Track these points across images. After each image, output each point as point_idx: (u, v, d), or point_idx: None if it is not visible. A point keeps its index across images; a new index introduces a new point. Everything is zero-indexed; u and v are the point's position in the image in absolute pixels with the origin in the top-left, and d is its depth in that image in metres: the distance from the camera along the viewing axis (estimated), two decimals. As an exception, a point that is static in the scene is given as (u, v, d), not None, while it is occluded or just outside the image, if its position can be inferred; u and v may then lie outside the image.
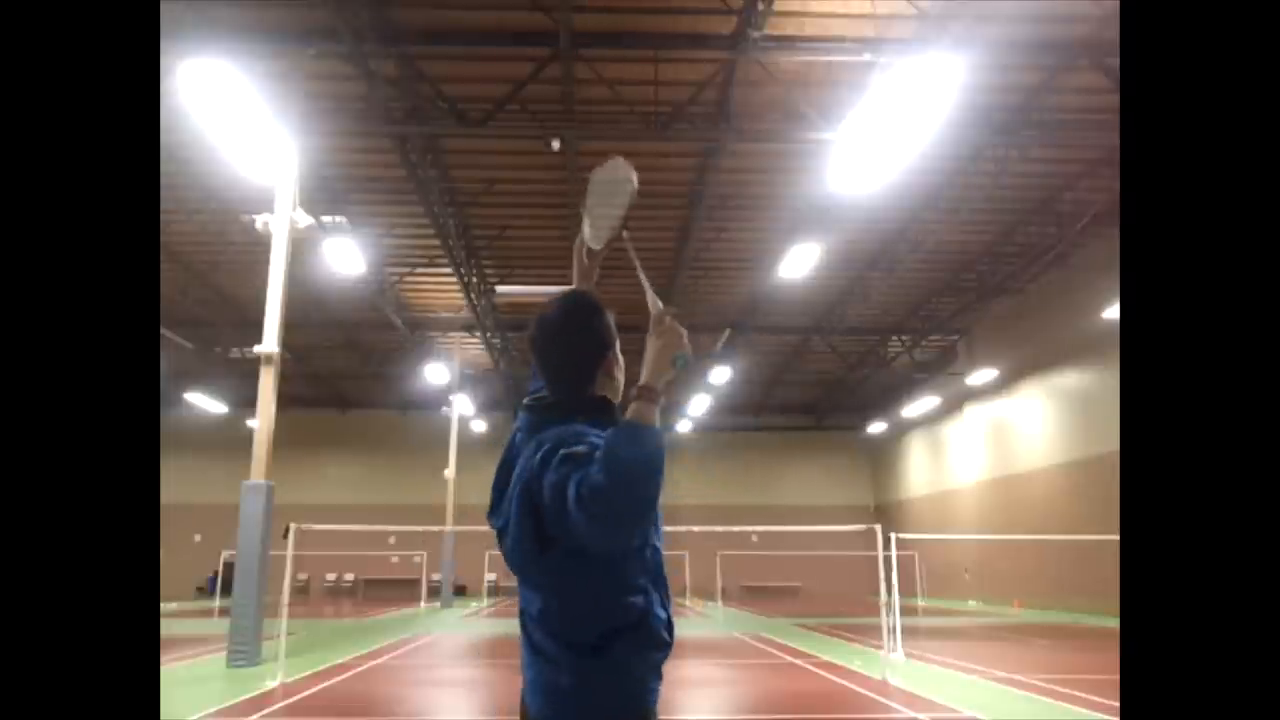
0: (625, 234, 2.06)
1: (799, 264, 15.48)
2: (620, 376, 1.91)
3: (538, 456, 1.67)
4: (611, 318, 1.90)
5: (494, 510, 1.84)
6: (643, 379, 1.66)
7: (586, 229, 2.14)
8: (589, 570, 1.65)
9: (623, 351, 1.95)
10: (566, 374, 1.84)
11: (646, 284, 1.92)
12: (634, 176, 2.06)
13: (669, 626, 1.75)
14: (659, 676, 1.74)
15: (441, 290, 20.57)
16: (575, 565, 1.64)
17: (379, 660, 11.08)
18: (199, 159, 13.67)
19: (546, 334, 1.86)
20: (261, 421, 10.99)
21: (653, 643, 1.71)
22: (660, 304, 1.79)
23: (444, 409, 27.17)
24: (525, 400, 1.91)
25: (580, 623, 1.68)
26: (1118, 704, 7.14)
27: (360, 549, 29.09)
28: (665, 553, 1.80)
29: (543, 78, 11.47)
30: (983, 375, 23.09)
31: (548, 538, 1.64)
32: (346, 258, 14.83)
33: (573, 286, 2.07)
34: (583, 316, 1.86)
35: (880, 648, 10.20)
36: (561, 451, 1.62)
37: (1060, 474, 20.40)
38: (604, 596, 1.68)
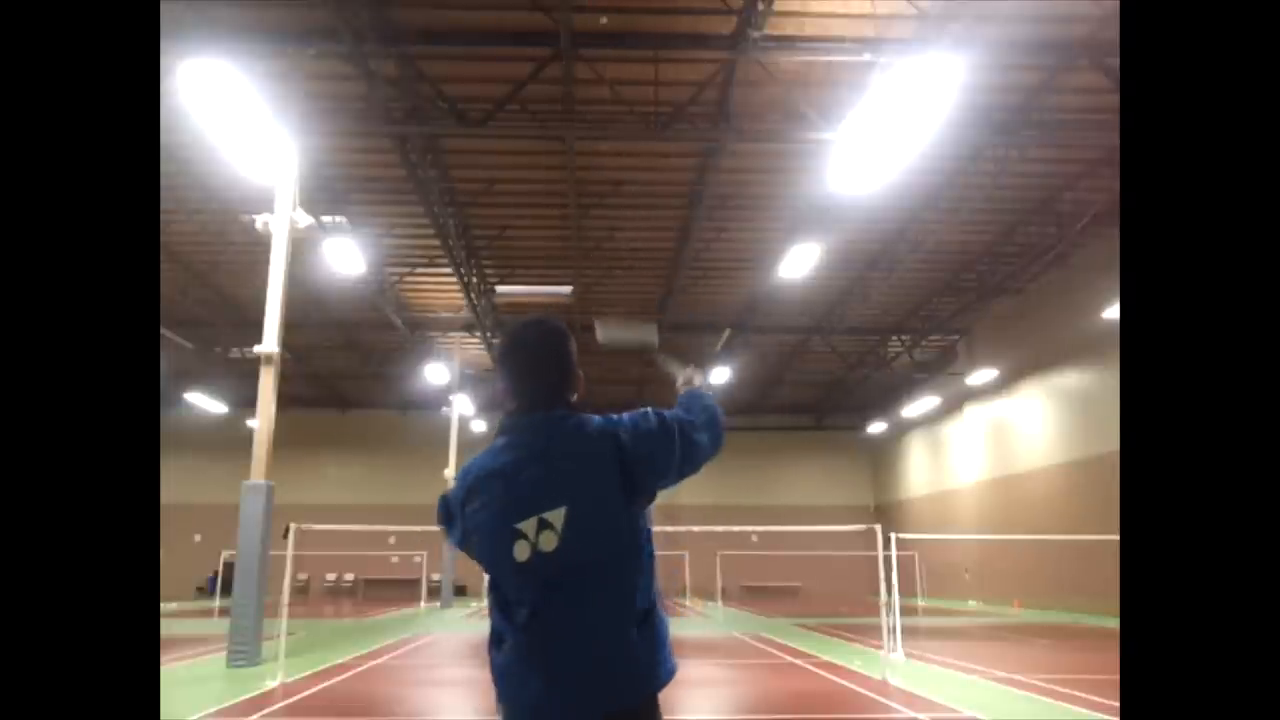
0: (661, 359, 2.56)
1: (799, 264, 15.47)
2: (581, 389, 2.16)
3: (623, 427, 1.95)
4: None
5: (515, 510, 1.88)
6: (684, 382, 2.28)
7: (599, 329, 2.77)
8: (647, 537, 1.95)
9: (611, 357, 2.20)
10: (554, 386, 2.04)
11: (674, 367, 2.40)
12: (655, 341, 2.71)
13: None
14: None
15: (441, 290, 20.57)
16: (641, 525, 1.95)
17: (379, 660, 11.08)
18: (199, 159, 13.68)
19: (536, 354, 2.06)
20: (261, 421, 10.99)
21: (662, 614, 2.00)
22: (679, 369, 2.33)
23: (444, 409, 27.16)
24: (505, 418, 2.06)
25: (634, 600, 1.89)
26: (1118, 704, 7.14)
27: (360, 549, 29.08)
28: (665, 553, 1.99)
29: (543, 78, 11.47)
30: (983, 375, 23.09)
31: (635, 491, 1.92)
32: (346, 258, 14.83)
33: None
34: (562, 339, 2.08)
35: (880, 648, 10.20)
36: (647, 410, 2.02)
37: (1060, 474, 20.40)
38: (650, 566, 1.96)
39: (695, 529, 14.67)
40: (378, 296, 19.07)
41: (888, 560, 10.33)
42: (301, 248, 12.56)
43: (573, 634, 1.85)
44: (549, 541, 1.85)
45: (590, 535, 1.87)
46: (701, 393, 2.18)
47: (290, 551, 9.33)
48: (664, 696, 1.85)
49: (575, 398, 2.07)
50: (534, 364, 2.04)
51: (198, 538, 29.56)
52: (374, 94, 11.56)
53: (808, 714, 7.41)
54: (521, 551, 1.85)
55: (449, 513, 2.03)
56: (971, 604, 24.61)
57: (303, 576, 29.21)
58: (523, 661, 1.86)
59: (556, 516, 1.86)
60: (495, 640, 1.94)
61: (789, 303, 20.79)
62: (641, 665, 1.88)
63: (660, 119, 12.04)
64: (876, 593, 10.96)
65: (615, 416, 2.02)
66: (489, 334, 22.15)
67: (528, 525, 1.86)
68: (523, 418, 1.99)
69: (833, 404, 32.05)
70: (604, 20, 10.88)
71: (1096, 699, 7.69)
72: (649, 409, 2.04)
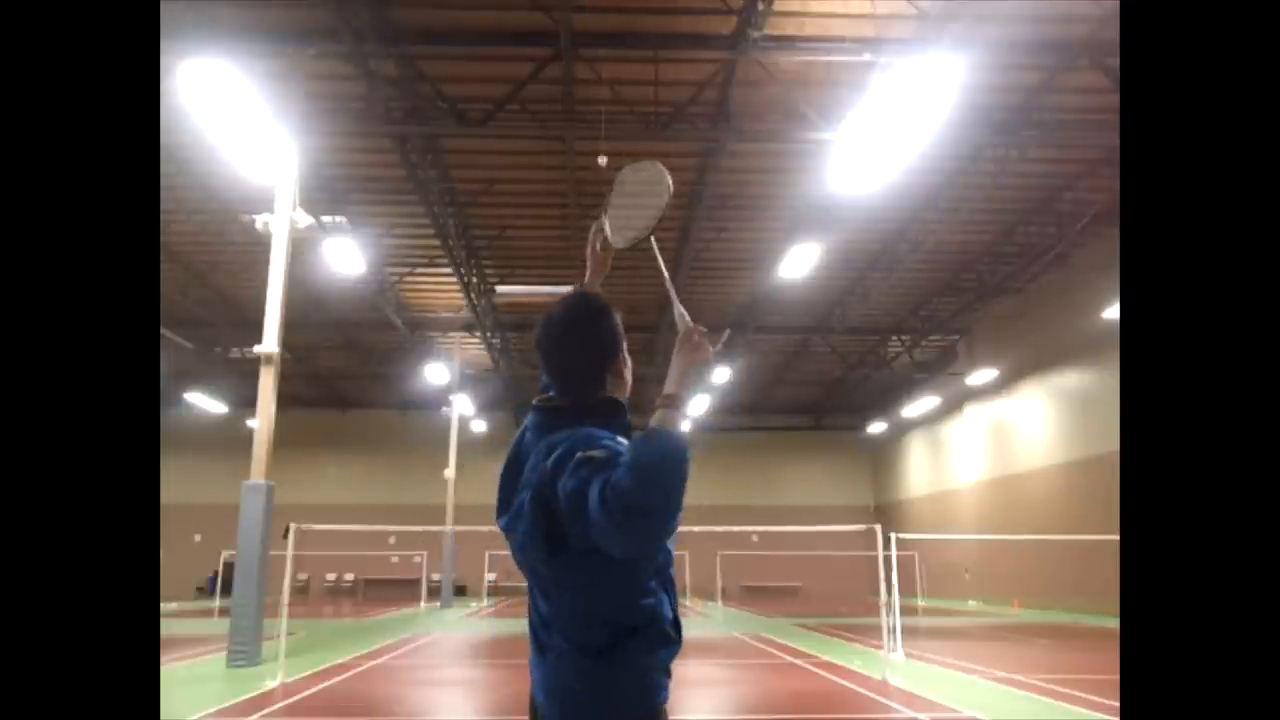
0: (652, 240, 2.06)
1: (799, 264, 15.47)
2: (629, 376, 1.91)
3: (550, 459, 1.66)
4: (618, 318, 1.90)
5: (502, 510, 1.82)
6: (669, 389, 1.66)
7: (608, 225, 2.12)
8: (600, 572, 1.64)
9: (630, 351, 1.95)
10: (575, 375, 1.83)
11: (675, 296, 1.94)
12: (669, 181, 2.07)
13: (677, 625, 1.75)
14: (668, 674, 1.75)
15: (441, 290, 20.57)
16: (587, 566, 1.63)
17: (379, 660, 11.08)
18: (199, 159, 13.67)
19: (555, 336, 1.85)
20: (261, 421, 10.99)
21: (662, 641, 1.71)
22: (688, 317, 1.81)
23: (444, 409, 27.16)
24: (535, 400, 1.90)
25: (591, 624, 1.67)
26: (1118, 704, 7.14)
27: (360, 549, 29.09)
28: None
29: (543, 78, 11.47)
30: (983, 375, 23.09)
31: (560, 539, 1.63)
32: (346, 258, 14.83)
33: (577, 287, 2.07)
34: (590, 318, 1.85)
35: (880, 648, 10.20)
36: (578, 455, 1.61)
37: (1060, 474, 20.40)
38: (615, 598, 1.67)
39: (695, 529, 14.64)
40: (378, 296, 19.07)
41: (888, 560, 10.33)
42: (301, 248, 12.56)
43: (537, 651, 1.75)
44: (514, 539, 1.78)
45: (525, 567, 1.74)
46: (668, 436, 1.55)
47: (290, 551, 9.33)
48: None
49: (612, 391, 1.84)
50: (555, 346, 1.84)
51: (198, 538, 29.56)
52: (374, 94, 11.56)
53: (808, 714, 7.41)
54: (512, 540, 1.80)
55: None
56: (971, 604, 24.61)
57: (303, 576, 29.21)
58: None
59: (512, 535, 1.77)
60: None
61: (789, 303, 20.79)
62: (590, 705, 1.65)
63: (660, 119, 12.04)
64: (876, 593, 10.95)
65: (569, 445, 1.66)
66: (489, 334, 22.15)
67: (504, 521, 1.81)
68: (532, 412, 1.86)
69: (833, 404, 32.05)
70: (602, 160, 11.86)
71: (1096, 699, 7.69)
72: (582, 451, 1.62)
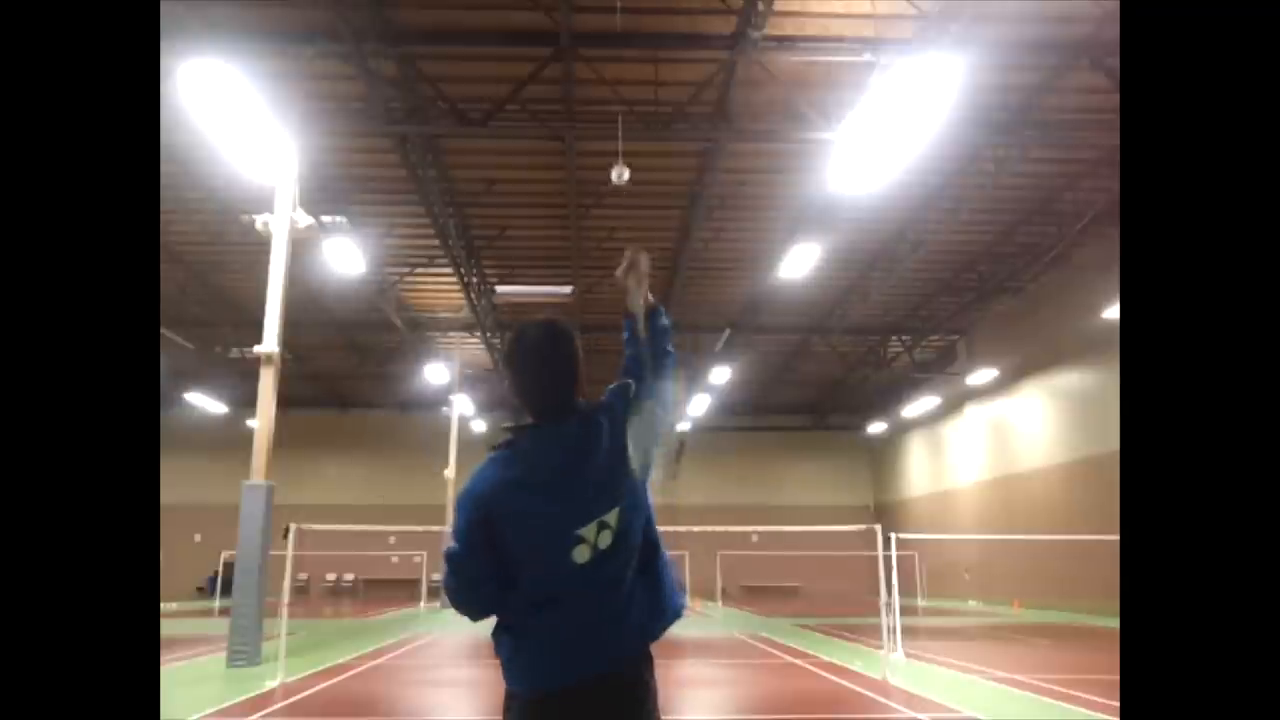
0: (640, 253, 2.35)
1: (799, 264, 15.47)
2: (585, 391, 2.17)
3: (606, 420, 2.00)
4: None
5: (578, 517, 1.93)
6: (635, 309, 2.17)
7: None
8: (647, 498, 2.08)
9: (614, 350, 2.20)
10: (561, 385, 2.05)
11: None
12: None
13: None
14: None
15: (441, 290, 20.57)
16: (644, 493, 2.07)
17: (379, 660, 11.08)
18: (199, 159, 13.67)
19: (545, 353, 2.05)
20: (261, 421, 10.99)
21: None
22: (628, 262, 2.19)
23: (444, 409, 27.16)
24: (528, 420, 2.06)
25: (646, 536, 2.05)
26: (1118, 704, 7.14)
27: (360, 549, 29.07)
28: (665, 552, 2.13)
29: (543, 78, 11.47)
30: (983, 375, 23.08)
31: (641, 454, 2.02)
32: (346, 258, 14.83)
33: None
34: (570, 339, 2.07)
35: (880, 648, 10.20)
36: (622, 385, 2.10)
37: (1060, 474, 20.40)
38: (649, 504, 2.09)
39: (695, 529, 14.66)
40: (378, 296, 19.07)
41: (888, 560, 10.33)
42: (301, 248, 12.54)
43: (595, 606, 1.93)
44: (606, 540, 1.92)
45: (634, 520, 1.99)
46: (662, 327, 2.17)
47: (290, 551, 9.33)
48: (665, 697, 1.87)
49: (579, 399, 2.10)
50: (547, 368, 2.03)
51: (198, 538, 29.55)
52: (374, 94, 11.56)
53: (808, 714, 7.41)
54: (582, 554, 1.91)
55: (485, 520, 1.95)
56: (971, 604, 24.61)
57: (303, 576, 29.19)
58: (542, 643, 1.92)
59: (613, 516, 1.94)
60: (504, 629, 2.00)
61: (789, 303, 20.78)
62: (648, 609, 1.98)
63: (660, 119, 12.04)
64: (876, 593, 10.96)
65: (610, 400, 2.07)
66: (489, 334, 22.15)
67: (588, 530, 1.91)
68: (548, 428, 1.99)
69: (833, 404, 32.05)
70: (623, 175, 11.68)
71: (1096, 699, 7.69)
72: (624, 382, 2.10)
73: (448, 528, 23.07)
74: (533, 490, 1.92)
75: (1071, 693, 8.07)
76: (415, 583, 28.24)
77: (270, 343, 11.13)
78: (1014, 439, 23.05)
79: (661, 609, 2.02)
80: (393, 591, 30.01)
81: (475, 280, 18.91)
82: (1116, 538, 12.53)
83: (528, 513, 1.91)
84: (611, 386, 2.11)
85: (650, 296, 2.19)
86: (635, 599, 1.97)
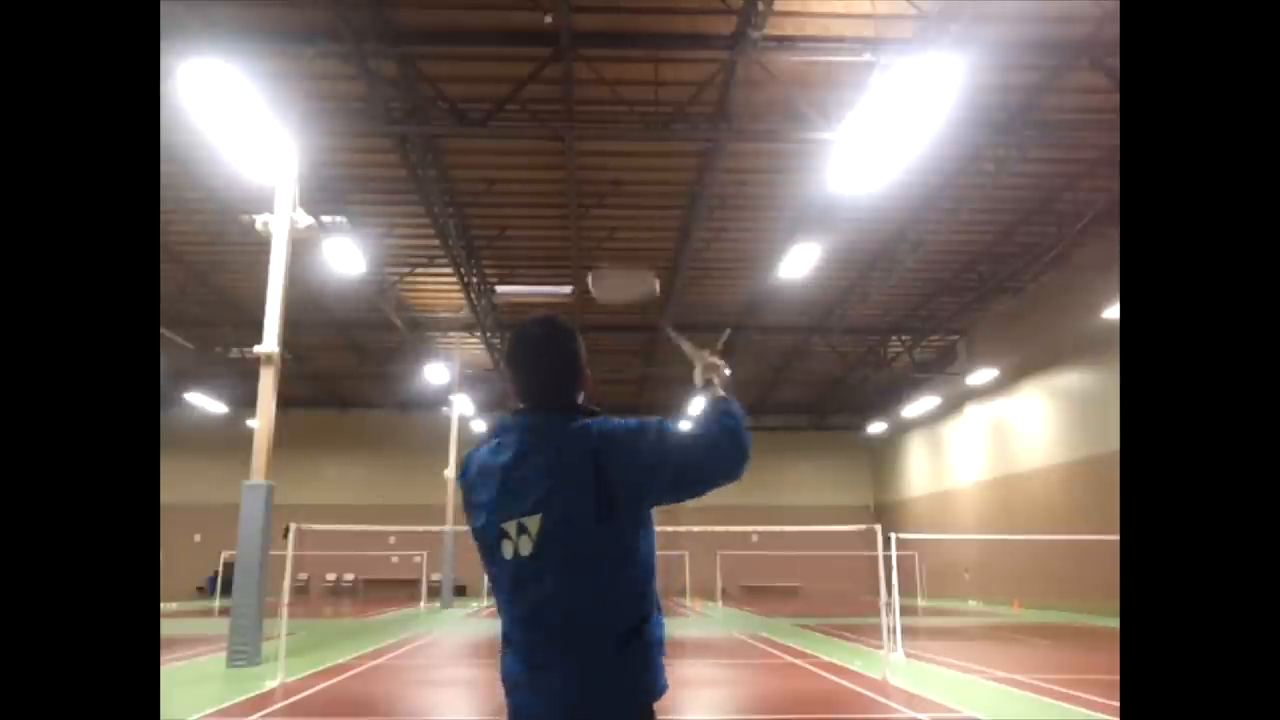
0: (671, 332, 2.38)
1: (799, 264, 15.47)
2: (589, 389, 2.10)
3: (596, 435, 1.86)
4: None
5: (512, 504, 1.86)
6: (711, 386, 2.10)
7: (594, 284, 2.51)
8: (636, 537, 1.85)
9: (617, 351, 2.13)
10: (559, 384, 2.01)
11: (685, 345, 2.24)
12: (656, 287, 2.50)
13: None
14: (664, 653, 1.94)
15: (441, 290, 20.57)
16: (629, 530, 1.84)
17: (379, 660, 11.08)
18: (199, 159, 13.67)
19: (541, 350, 2.02)
20: (261, 421, 10.99)
21: (662, 623, 1.91)
22: (693, 350, 2.17)
23: (444, 409, 27.17)
24: (522, 408, 2.01)
25: (624, 597, 1.83)
26: (1118, 704, 7.14)
27: (360, 549, 29.10)
28: (665, 553, 2.01)
29: (543, 78, 11.47)
30: (983, 375, 23.09)
31: (612, 503, 1.81)
32: (346, 258, 14.83)
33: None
34: (570, 337, 2.03)
35: (880, 648, 10.20)
36: (649, 423, 1.88)
37: (1060, 474, 20.40)
38: (639, 581, 1.86)
39: (695, 529, 14.67)
40: (378, 296, 19.07)
41: (887, 560, 10.33)
42: (301, 248, 12.54)
43: (556, 646, 1.82)
44: (525, 547, 1.83)
45: (563, 546, 1.81)
46: (728, 404, 1.97)
47: (290, 551, 9.33)
48: (664, 697, 1.85)
49: (583, 398, 2.04)
50: (540, 363, 2.00)
51: (198, 538, 29.56)
52: (374, 94, 11.56)
53: (808, 714, 7.41)
54: (507, 550, 1.86)
55: (467, 503, 2.01)
56: (971, 604, 24.61)
57: (303, 576, 29.19)
58: (518, 665, 1.87)
59: (533, 523, 1.83)
60: (504, 640, 1.94)
61: (789, 303, 20.79)
62: (620, 685, 1.80)
63: (660, 119, 12.04)
64: (876, 593, 10.96)
65: (618, 422, 1.92)
66: (489, 334, 22.15)
67: (511, 526, 1.86)
68: (522, 417, 1.97)
69: (833, 404, 32.05)
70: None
71: (1096, 699, 7.69)
72: (655, 420, 1.91)
73: (448, 528, 23.14)
74: (487, 476, 1.92)
75: (1071, 693, 8.07)
76: (415, 583, 28.26)
77: (270, 343, 11.12)
78: (1014, 439, 23.05)
79: (627, 687, 1.81)
80: (393, 591, 30.01)
81: (475, 280, 18.91)
82: (1116, 538, 12.54)
83: (479, 499, 1.92)
84: (646, 420, 1.95)
85: (720, 389, 2.06)
86: (587, 655, 1.80)
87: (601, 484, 1.82)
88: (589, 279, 2.44)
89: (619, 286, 2.52)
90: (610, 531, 1.83)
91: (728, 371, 2.13)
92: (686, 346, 2.20)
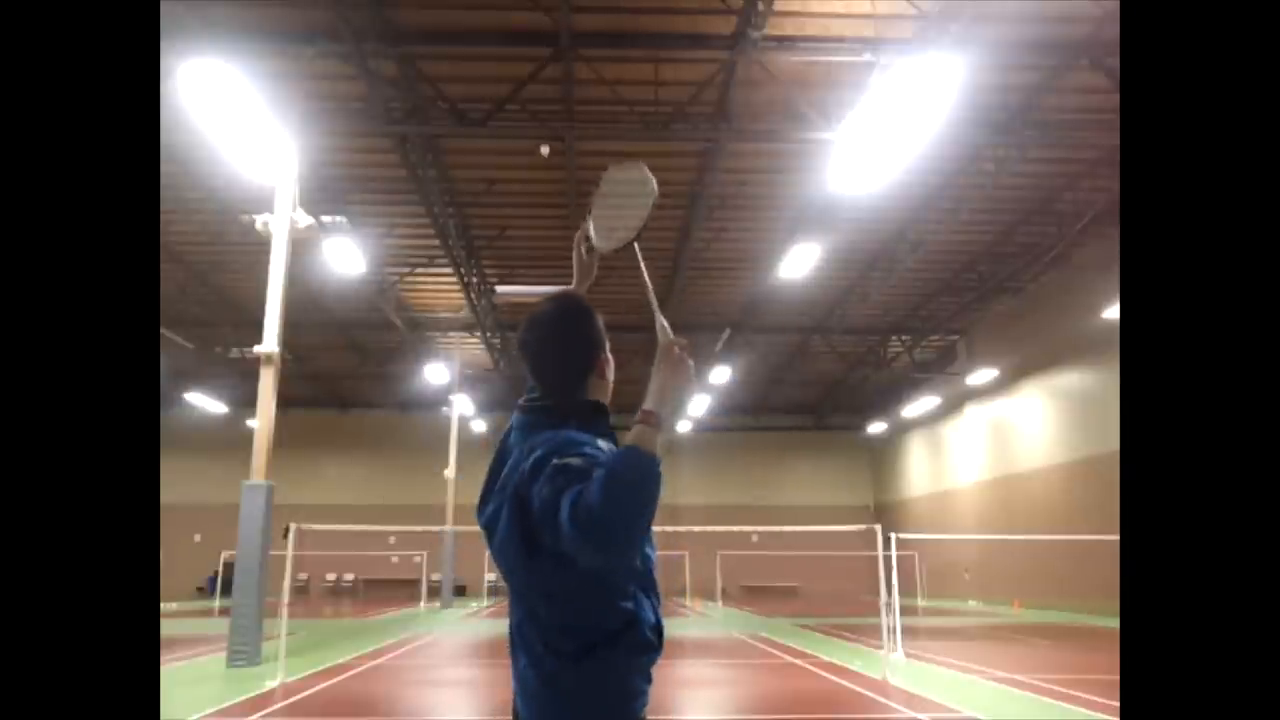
0: (636, 247, 1.99)
1: (799, 264, 15.47)
2: (610, 378, 1.91)
3: (529, 462, 1.66)
4: (601, 320, 1.90)
5: (482, 506, 1.81)
6: (648, 404, 1.64)
7: (592, 229, 2.07)
8: (576, 576, 1.61)
9: (615, 351, 1.95)
10: (559, 377, 1.84)
11: (656, 308, 1.88)
12: (654, 184, 2.03)
13: (657, 629, 1.73)
14: (648, 680, 1.72)
15: (441, 290, 20.57)
16: (563, 571, 1.61)
17: (379, 660, 11.08)
18: (199, 159, 13.67)
19: (539, 337, 1.86)
20: (261, 421, 10.99)
21: (641, 647, 1.69)
22: (670, 332, 1.76)
23: (444, 409, 27.17)
24: (520, 401, 1.90)
25: (568, 628, 1.66)
26: (1118, 704, 7.14)
27: (360, 549, 29.09)
28: (665, 553, 1.85)
29: (543, 78, 11.47)
30: (983, 375, 23.09)
31: (536, 543, 1.63)
32: (346, 258, 14.83)
33: (564, 289, 2.04)
34: (574, 320, 1.85)
35: (880, 648, 10.20)
36: (555, 461, 1.61)
37: (1060, 474, 20.40)
38: (592, 602, 1.66)
39: (695, 529, 14.66)
40: (378, 296, 19.07)
41: (887, 560, 10.33)
42: (301, 248, 12.55)
43: (514, 655, 1.75)
44: (485, 537, 1.78)
45: (506, 549, 1.70)
46: (640, 455, 1.53)
47: (290, 551, 9.33)
48: (664, 697, 1.82)
49: (594, 392, 1.85)
50: (539, 347, 1.85)
51: (198, 538, 29.56)
52: (374, 94, 11.56)
53: (808, 714, 7.41)
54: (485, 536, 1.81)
55: None
56: (971, 604, 24.61)
57: (303, 576, 29.20)
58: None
59: (485, 517, 1.77)
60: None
61: (789, 303, 20.79)
62: (567, 711, 1.63)
63: (660, 119, 12.04)
64: (876, 593, 10.96)
65: (542, 448, 1.66)
66: (489, 334, 22.15)
67: (480, 515, 1.80)
68: (518, 412, 1.86)
69: (833, 404, 32.05)
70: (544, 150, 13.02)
71: (1096, 699, 7.69)
72: (559, 457, 1.61)
73: (448, 528, 23.13)
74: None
75: (1071, 693, 8.07)
76: (415, 583, 28.26)
77: (270, 343, 11.13)
78: (1014, 439, 23.05)
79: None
80: (393, 591, 30.01)
81: (475, 280, 18.91)
82: (1116, 538, 12.54)
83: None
84: (551, 452, 1.63)
85: (659, 402, 1.65)
86: (526, 677, 1.68)
87: (524, 517, 1.64)
88: (588, 225, 2.06)
89: (621, 211, 2.07)
90: (537, 567, 1.65)
91: (688, 383, 1.70)
92: (659, 318, 1.82)
